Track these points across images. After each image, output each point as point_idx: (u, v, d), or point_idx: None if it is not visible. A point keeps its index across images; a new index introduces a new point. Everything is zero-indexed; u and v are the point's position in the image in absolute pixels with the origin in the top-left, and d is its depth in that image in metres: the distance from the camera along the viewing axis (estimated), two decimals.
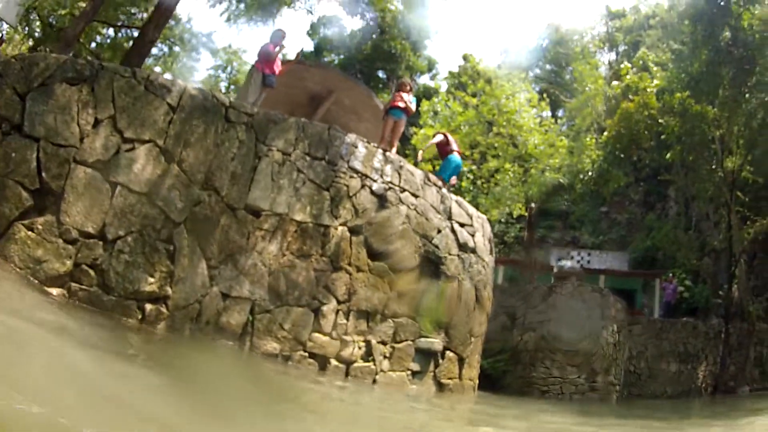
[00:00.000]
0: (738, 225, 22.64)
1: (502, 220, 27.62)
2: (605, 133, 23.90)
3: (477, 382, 13.40)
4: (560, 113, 35.38)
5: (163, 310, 8.51)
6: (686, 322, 22.36)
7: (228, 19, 29.00)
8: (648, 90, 22.18)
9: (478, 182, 24.22)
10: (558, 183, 23.56)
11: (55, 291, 7.97)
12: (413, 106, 14.07)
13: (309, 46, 44.81)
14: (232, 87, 47.19)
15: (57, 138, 8.32)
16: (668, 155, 23.08)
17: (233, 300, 9.09)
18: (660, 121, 21.55)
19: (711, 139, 22.36)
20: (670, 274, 25.54)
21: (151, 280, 8.45)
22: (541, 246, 28.09)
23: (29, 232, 7.94)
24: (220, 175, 9.12)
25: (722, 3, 20.28)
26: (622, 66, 25.37)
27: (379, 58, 39.87)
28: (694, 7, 21.64)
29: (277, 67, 13.16)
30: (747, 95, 21.01)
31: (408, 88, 14.31)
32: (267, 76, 12.82)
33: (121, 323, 8.02)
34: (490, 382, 13.47)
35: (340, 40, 40.24)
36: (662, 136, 22.44)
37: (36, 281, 7.84)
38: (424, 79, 45.55)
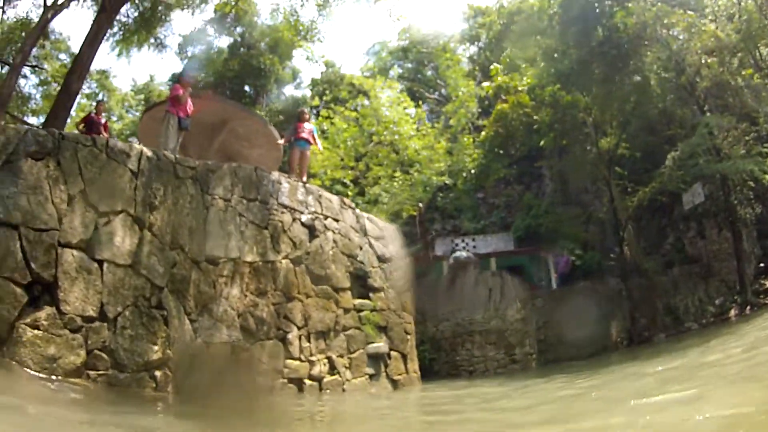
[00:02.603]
0: (620, 196, 24.27)
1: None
2: (483, 133, 25.35)
3: (419, 373, 14.54)
4: (424, 107, 36.41)
5: (168, 372, 8.54)
6: (585, 286, 23.91)
7: (119, 54, 28.82)
8: (520, 89, 23.62)
9: (366, 189, 25.16)
10: (443, 184, 24.89)
11: (77, 381, 7.47)
12: (315, 134, 14.99)
13: (178, 66, 43.76)
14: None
15: (36, 222, 7.60)
16: (542, 142, 24.64)
17: (215, 347, 9.48)
18: (535, 117, 22.94)
19: (584, 123, 23.92)
20: (561, 249, 27.36)
21: (155, 348, 8.40)
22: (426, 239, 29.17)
23: (35, 331, 7.26)
24: (182, 232, 9.43)
25: (597, 5, 21.56)
26: (491, 67, 26.64)
27: (248, 75, 39.08)
28: (566, 11, 22.76)
29: (190, 108, 13.19)
30: (619, 83, 22.39)
31: (307, 117, 15.18)
32: (182, 120, 12.84)
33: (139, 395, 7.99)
34: (422, 372, 14.59)
35: (208, 59, 39.60)
36: (534, 126, 23.95)
37: (55, 378, 7.26)
38: (289, 90, 45.58)
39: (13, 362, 6.99)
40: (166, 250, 9.12)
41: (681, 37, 22.67)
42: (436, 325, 20.27)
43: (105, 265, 8.20)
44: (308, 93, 44.39)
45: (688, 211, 25.06)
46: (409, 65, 44.96)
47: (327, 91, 36.04)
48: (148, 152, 9.41)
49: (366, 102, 28.45)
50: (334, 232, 12.62)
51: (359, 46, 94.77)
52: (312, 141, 14.54)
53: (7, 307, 7.12)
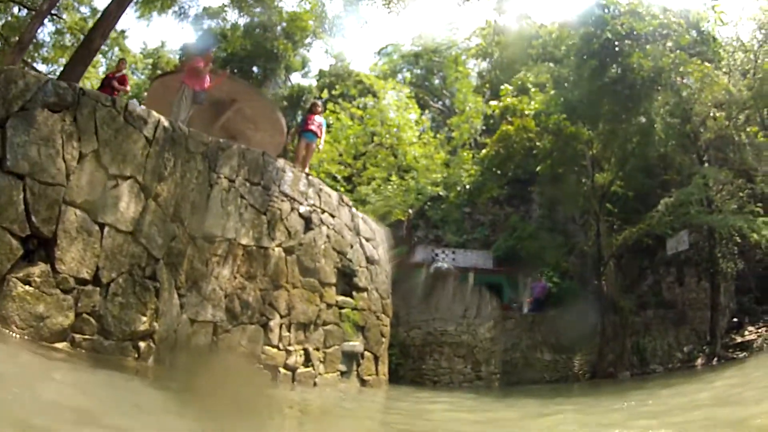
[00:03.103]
0: (607, 232, 24.36)
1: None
2: (484, 151, 25.42)
3: (387, 376, 14.65)
4: (427, 115, 36.43)
5: (152, 344, 8.52)
6: (557, 315, 23.55)
7: (140, 16, 28.49)
8: (526, 113, 23.75)
9: (358, 188, 25.26)
10: (436, 194, 25.04)
11: (61, 345, 7.37)
12: (323, 128, 15.06)
13: (190, 36, 43.15)
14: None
15: (43, 175, 7.43)
16: (538, 168, 24.69)
17: (199, 324, 9.52)
18: (538, 143, 23.08)
19: (583, 156, 23.93)
20: (539, 274, 27.50)
21: (144, 318, 8.34)
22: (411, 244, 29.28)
23: (26, 287, 7.08)
24: (184, 206, 9.39)
25: (616, 44, 21.45)
26: (502, 87, 26.63)
27: (260, 56, 38.36)
28: (585, 43, 22.63)
29: (207, 83, 13.08)
30: (625, 122, 22.38)
31: (319, 110, 15.24)
32: (197, 93, 12.76)
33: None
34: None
35: (222, 34, 38.91)
36: (534, 151, 24.07)
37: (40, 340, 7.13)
38: (296, 77, 45.34)
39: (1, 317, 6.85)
40: (168, 222, 9.09)
41: (693, 86, 22.66)
42: (408, 331, 20.39)
43: (106, 229, 8.11)
44: (314, 83, 44.21)
45: (670, 257, 25.03)
46: (418, 71, 44.85)
47: (336, 85, 35.84)
48: (164, 122, 9.35)
49: (372, 102, 28.60)
50: (328, 227, 12.68)
51: (371, 44, 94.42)
52: (319, 134, 14.62)
53: (1, 257, 6.97)
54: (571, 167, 24.63)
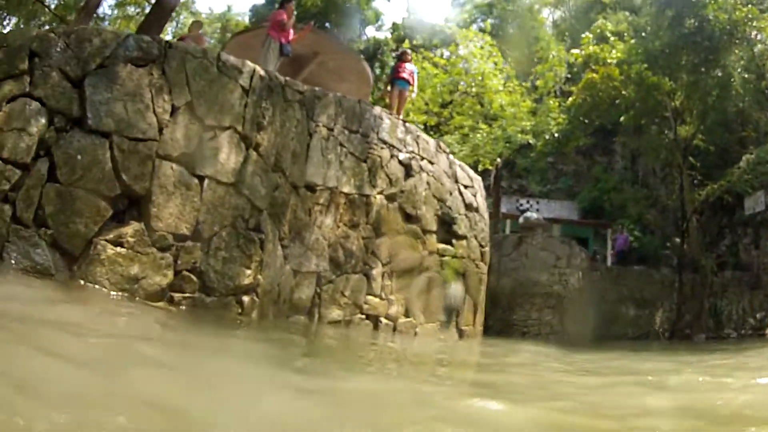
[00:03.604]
0: (689, 187, 23.32)
1: None
2: (570, 99, 24.53)
3: (482, 327, 14.04)
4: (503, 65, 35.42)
5: (255, 298, 8.03)
6: (641, 270, 22.79)
7: None
8: (609, 61, 22.82)
9: (444, 137, 24.61)
10: (525, 142, 24.27)
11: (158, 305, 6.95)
12: (415, 76, 14.45)
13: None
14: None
15: (132, 131, 6.96)
16: (622, 118, 23.71)
17: (303, 275, 9.04)
18: (624, 93, 22.23)
19: (664, 107, 22.85)
20: (621, 226, 26.62)
21: (248, 272, 7.83)
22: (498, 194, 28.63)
23: (117, 248, 6.67)
24: (285, 155, 8.80)
25: None
26: (582, 35, 25.70)
27: (333, 11, 38.12)
28: None
29: (291, 35, 12.49)
30: (705, 74, 21.42)
31: (409, 58, 14.61)
32: (284, 46, 12.13)
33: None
34: None
35: None
36: (617, 101, 23.22)
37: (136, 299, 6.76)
38: (370, 31, 44.70)
39: (87, 282, 6.43)
40: (270, 172, 8.50)
41: (767, 42, 21.65)
42: (498, 279, 19.72)
43: (206, 181, 7.57)
44: (389, 35, 43.45)
45: (748, 217, 24.03)
46: (492, 21, 43.83)
47: (409, 37, 34.96)
48: (260, 71, 8.70)
49: (452, 51, 27.80)
50: (428, 173, 11.90)
51: None
52: (411, 82, 14.03)
53: (86, 221, 6.56)
54: (652, 118, 23.68)
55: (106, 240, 6.63)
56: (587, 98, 23.23)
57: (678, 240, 24.16)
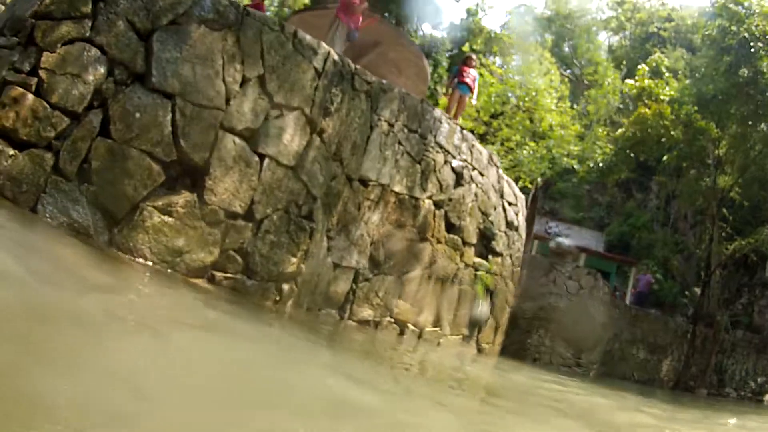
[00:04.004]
0: (718, 239, 22.99)
1: None
2: (620, 131, 24.25)
3: (501, 347, 13.83)
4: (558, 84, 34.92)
5: (294, 287, 7.80)
6: (658, 315, 22.59)
7: None
8: (662, 98, 22.48)
9: (488, 147, 24.18)
10: (569, 166, 23.91)
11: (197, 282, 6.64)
12: (476, 82, 14.17)
13: None
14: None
15: (198, 96, 6.57)
16: (665, 158, 23.56)
17: (342, 270, 8.77)
18: (672, 133, 21.94)
19: (707, 153, 22.59)
20: (646, 267, 26.27)
21: (293, 260, 7.60)
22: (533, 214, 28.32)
23: (165, 217, 6.36)
24: (345, 145, 8.50)
25: (751, 44, 20.01)
26: (639, 67, 25.24)
27: (393, 3, 37.82)
28: (722, 37, 21.24)
29: (359, 21, 12.23)
30: (752, 128, 21.21)
31: (473, 63, 14.30)
32: (351, 31, 11.90)
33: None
34: None
35: None
36: (663, 139, 22.93)
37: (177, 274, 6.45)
38: (426, 28, 44.05)
39: (125, 249, 6.11)
40: (330, 160, 8.21)
41: None
42: (522, 301, 19.47)
43: (266, 161, 7.26)
44: (445, 35, 42.87)
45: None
46: (549, 36, 43.17)
47: (467, 41, 34.52)
48: (334, 55, 8.36)
49: (507, 62, 27.44)
50: (477, 185, 11.59)
51: (503, 2, 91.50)
52: (472, 88, 13.73)
53: (135, 183, 6.17)
54: (694, 163, 23.55)
55: (153, 206, 6.29)
56: (637, 132, 22.86)
57: (697, 291, 23.85)
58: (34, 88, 5.74)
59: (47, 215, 5.76)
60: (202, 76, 6.64)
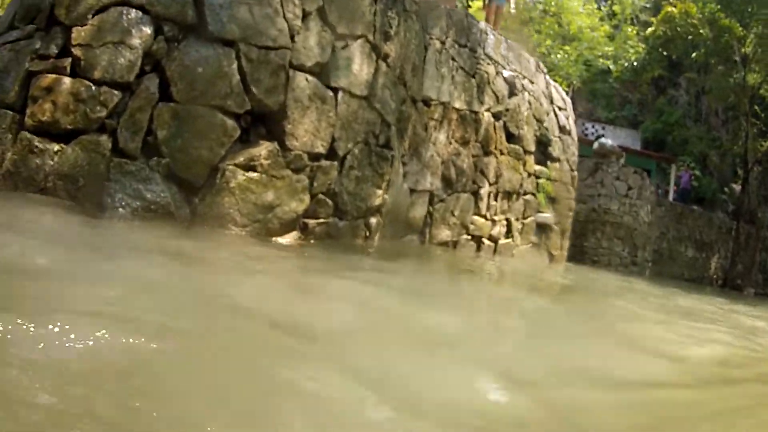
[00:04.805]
0: (753, 136, 23.00)
1: None
2: (650, 29, 23.95)
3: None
4: None
5: (380, 219, 7.57)
6: (702, 212, 22.67)
7: None
8: None
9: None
10: (604, 67, 23.58)
11: (288, 238, 6.30)
12: None
13: None
14: None
15: (261, 39, 5.96)
16: (694, 54, 23.40)
17: (418, 194, 8.71)
18: (701, 31, 21.70)
19: (734, 51, 22.38)
20: (687, 163, 26.06)
21: (379, 192, 7.32)
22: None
23: (250, 173, 5.82)
24: (407, 67, 8.18)
25: None
26: None
27: None
28: None
29: None
30: None
31: None
32: None
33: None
34: None
35: None
36: (690, 36, 22.63)
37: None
38: None
39: (211, 217, 5.65)
40: (397, 84, 7.90)
41: None
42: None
43: (340, 94, 6.79)
44: None
45: None
46: None
47: None
48: None
49: None
50: (529, 93, 11.47)
51: None
52: None
53: (211, 144, 5.56)
54: (722, 59, 23.34)
55: (235, 164, 5.73)
56: (667, 30, 22.56)
57: (735, 187, 23.70)
58: (68, 69, 5.18)
59: (118, 205, 5.17)
60: (261, 16, 5.97)
